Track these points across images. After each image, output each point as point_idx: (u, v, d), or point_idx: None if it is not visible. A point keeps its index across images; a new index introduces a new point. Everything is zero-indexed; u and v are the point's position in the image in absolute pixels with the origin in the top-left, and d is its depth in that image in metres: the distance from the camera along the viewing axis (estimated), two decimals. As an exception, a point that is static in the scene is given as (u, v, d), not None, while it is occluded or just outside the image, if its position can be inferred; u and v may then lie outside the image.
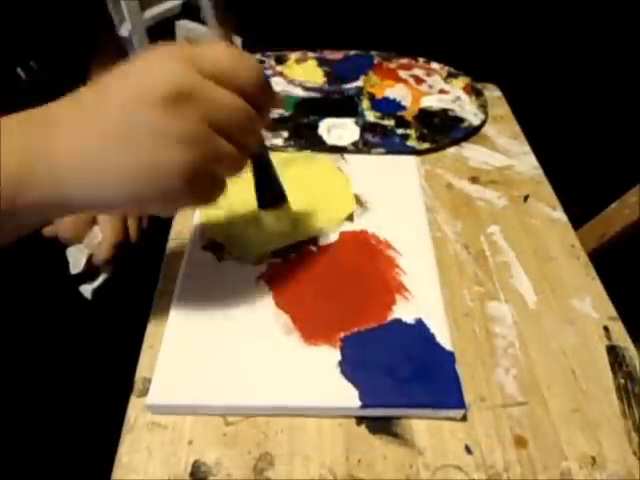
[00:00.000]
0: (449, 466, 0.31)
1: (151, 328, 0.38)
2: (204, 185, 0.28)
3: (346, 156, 0.51)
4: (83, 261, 0.44)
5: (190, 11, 1.17)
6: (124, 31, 0.97)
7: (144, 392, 0.33)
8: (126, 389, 0.34)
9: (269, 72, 0.62)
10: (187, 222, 0.45)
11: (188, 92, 0.25)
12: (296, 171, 0.49)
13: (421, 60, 0.66)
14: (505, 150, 0.55)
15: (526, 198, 0.49)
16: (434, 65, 0.65)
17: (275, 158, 0.51)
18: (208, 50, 0.27)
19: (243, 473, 0.31)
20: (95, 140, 0.25)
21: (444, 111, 0.58)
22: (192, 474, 0.31)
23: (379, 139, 0.54)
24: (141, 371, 0.35)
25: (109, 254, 0.44)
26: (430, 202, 0.48)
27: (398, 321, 0.37)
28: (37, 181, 0.25)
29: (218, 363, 0.34)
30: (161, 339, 0.36)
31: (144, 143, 0.25)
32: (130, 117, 0.24)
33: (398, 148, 0.53)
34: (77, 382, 0.50)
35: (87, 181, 0.25)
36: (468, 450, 0.32)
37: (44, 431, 0.48)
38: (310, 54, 0.66)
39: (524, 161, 0.54)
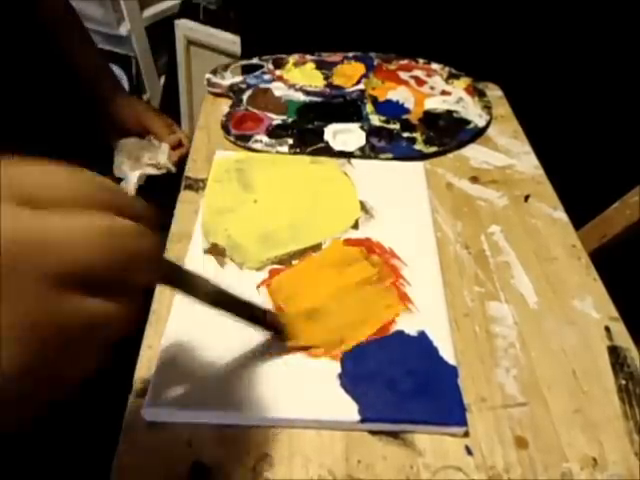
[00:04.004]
0: (449, 467, 0.31)
1: (151, 328, 0.38)
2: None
3: (353, 161, 0.51)
4: (134, 184, 0.58)
5: (189, 11, 1.17)
6: (123, 30, 0.97)
7: (143, 393, 0.33)
8: (125, 389, 0.34)
9: (268, 77, 0.62)
10: (187, 222, 0.45)
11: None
12: (300, 175, 0.49)
13: (421, 61, 0.66)
14: (506, 150, 0.55)
15: (527, 198, 0.49)
16: (434, 66, 0.65)
17: (280, 162, 0.51)
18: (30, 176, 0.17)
19: (242, 474, 0.31)
20: None
21: (449, 113, 0.58)
22: (191, 475, 0.30)
23: (385, 144, 0.54)
24: (140, 372, 0.35)
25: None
26: (430, 202, 0.48)
27: (401, 333, 0.36)
28: None
29: (216, 372, 0.34)
30: (160, 339, 0.36)
31: None
32: None
33: (405, 152, 0.53)
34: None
35: None
36: (468, 451, 0.32)
37: (43, 432, 0.48)
38: (308, 57, 0.65)
39: (525, 161, 0.54)
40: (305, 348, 0.35)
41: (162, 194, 0.53)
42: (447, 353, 0.35)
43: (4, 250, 0.14)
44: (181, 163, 0.61)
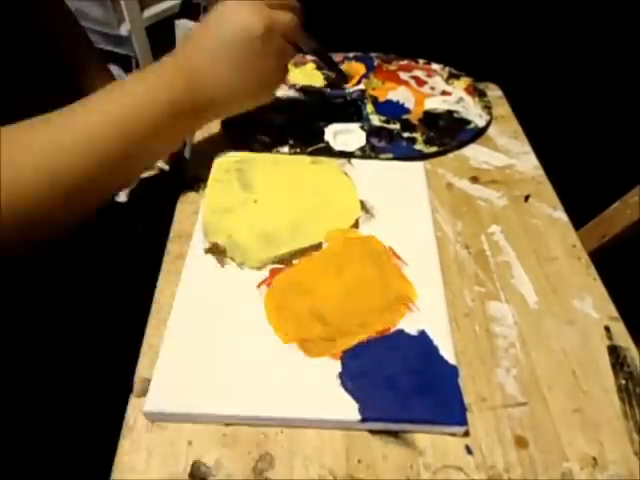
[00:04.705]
0: (450, 467, 0.31)
1: (151, 328, 0.38)
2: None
3: (353, 161, 0.51)
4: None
5: (189, 11, 1.17)
6: (124, 31, 0.97)
7: (143, 392, 0.33)
8: (126, 389, 0.34)
9: None
10: (187, 222, 0.45)
11: (269, 27, 0.41)
12: (300, 175, 0.49)
13: (421, 61, 0.66)
14: (506, 150, 0.55)
15: (527, 198, 0.49)
16: (435, 66, 0.65)
17: (280, 162, 0.51)
18: None
19: (243, 474, 0.31)
20: (226, 72, 0.42)
21: (449, 113, 0.58)
22: (192, 475, 0.30)
23: (386, 144, 0.54)
24: (141, 371, 0.35)
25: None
26: (430, 202, 0.48)
27: (401, 332, 0.36)
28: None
29: (216, 371, 0.34)
30: (161, 339, 0.36)
31: (259, 65, 0.43)
32: (243, 49, 0.41)
33: (406, 152, 0.53)
34: (76, 382, 0.50)
35: (226, 98, 0.44)
36: (469, 450, 0.32)
37: (43, 431, 0.48)
38: (308, 57, 0.65)
39: (525, 161, 0.54)
40: (306, 344, 0.35)
41: (156, 194, 0.53)
42: (447, 352, 0.35)
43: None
44: (177, 160, 0.60)
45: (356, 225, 0.44)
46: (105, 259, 0.58)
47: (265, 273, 0.40)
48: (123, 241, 0.62)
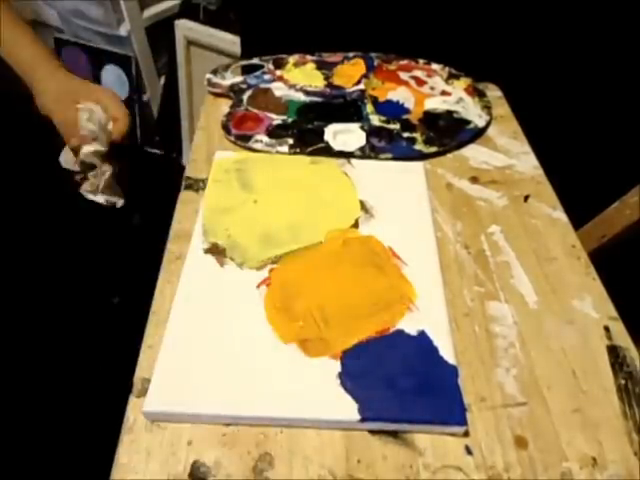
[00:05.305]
0: (449, 466, 0.31)
1: (151, 328, 0.38)
2: None
3: (353, 161, 0.51)
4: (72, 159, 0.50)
5: (189, 11, 1.17)
6: (123, 31, 0.97)
7: (143, 392, 0.33)
8: (125, 389, 0.34)
9: (268, 77, 0.62)
10: (187, 222, 0.45)
11: None
12: (300, 175, 0.49)
13: (421, 61, 0.66)
14: (505, 150, 0.55)
15: (526, 198, 0.49)
16: (435, 66, 0.65)
17: (280, 162, 0.51)
18: None
19: (242, 473, 0.31)
20: None
21: (449, 113, 0.58)
22: (191, 474, 0.30)
23: (385, 144, 0.54)
24: (140, 371, 0.35)
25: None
26: (430, 202, 0.48)
27: (401, 332, 0.36)
28: None
29: (216, 372, 0.34)
30: (161, 339, 0.36)
31: None
32: None
33: (405, 152, 0.53)
34: (77, 382, 0.50)
35: None
36: (468, 450, 0.32)
37: (44, 431, 0.48)
38: (308, 57, 0.65)
39: (524, 161, 0.54)
40: (305, 344, 0.35)
41: (151, 187, 0.52)
42: (447, 353, 0.35)
43: None
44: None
45: (356, 225, 0.44)
46: (103, 252, 0.57)
47: (265, 273, 0.40)
48: (120, 233, 0.61)
